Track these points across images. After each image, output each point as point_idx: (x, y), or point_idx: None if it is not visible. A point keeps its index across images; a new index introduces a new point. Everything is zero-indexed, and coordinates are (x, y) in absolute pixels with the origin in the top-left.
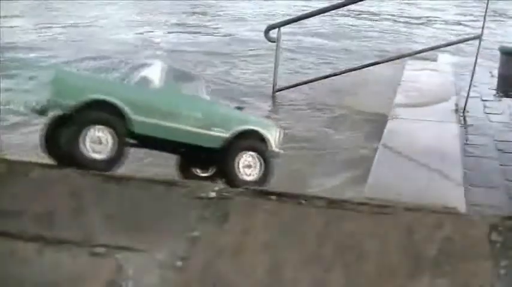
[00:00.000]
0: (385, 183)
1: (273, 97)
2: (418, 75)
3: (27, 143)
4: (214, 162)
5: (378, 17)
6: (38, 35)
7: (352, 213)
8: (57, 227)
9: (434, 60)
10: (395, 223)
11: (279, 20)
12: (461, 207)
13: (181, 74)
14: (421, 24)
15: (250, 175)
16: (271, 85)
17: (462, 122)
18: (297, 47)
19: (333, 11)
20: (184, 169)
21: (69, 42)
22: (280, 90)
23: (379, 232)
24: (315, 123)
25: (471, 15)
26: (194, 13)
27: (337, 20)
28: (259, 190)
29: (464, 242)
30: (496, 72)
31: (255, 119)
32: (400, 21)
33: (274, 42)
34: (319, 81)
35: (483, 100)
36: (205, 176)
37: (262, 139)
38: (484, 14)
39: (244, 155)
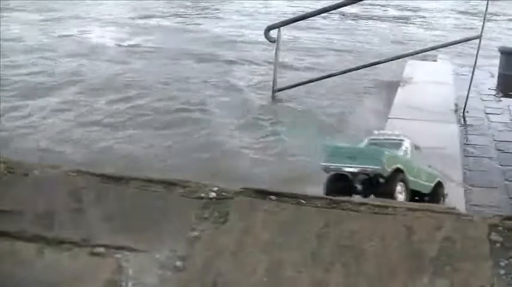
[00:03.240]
0: None
1: (273, 97)
2: (417, 76)
3: None
4: None
5: None
6: None
7: (352, 213)
8: (57, 227)
9: (435, 60)
10: (395, 223)
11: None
12: (461, 207)
13: (416, 146)
14: None
15: None
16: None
17: (462, 122)
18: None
19: None
20: None
21: None
22: (280, 90)
23: (379, 232)
24: None
25: None
26: None
27: None
28: (259, 190)
29: (464, 242)
30: (496, 72)
31: (437, 172)
32: None
33: (274, 42)
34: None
35: (483, 100)
36: None
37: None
38: (484, 14)
39: (441, 200)
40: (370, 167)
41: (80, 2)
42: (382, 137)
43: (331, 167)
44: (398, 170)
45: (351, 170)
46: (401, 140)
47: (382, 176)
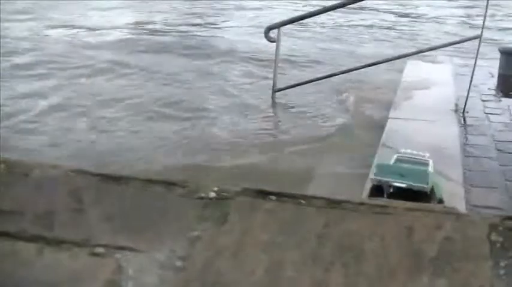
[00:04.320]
0: None
1: (273, 98)
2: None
3: None
4: None
5: None
6: None
7: (352, 213)
8: (57, 227)
9: (435, 60)
10: (395, 223)
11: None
12: (461, 207)
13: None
14: None
15: None
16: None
17: (462, 122)
18: None
19: None
20: None
21: None
22: (280, 90)
23: (379, 232)
24: None
25: None
26: None
27: None
28: (259, 190)
29: (464, 242)
30: (496, 72)
31: (441, 182)
32: None
33: (274, 42)
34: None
35: (483, 100)
36: None
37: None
38: (484, 13)
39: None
40: (417, 185)
41: (78, 2)
42: (409, 156)
43: (381, 180)
44: (432, 188)
45: (399, 185)
46: (427, 160)
47: (423, 193)
